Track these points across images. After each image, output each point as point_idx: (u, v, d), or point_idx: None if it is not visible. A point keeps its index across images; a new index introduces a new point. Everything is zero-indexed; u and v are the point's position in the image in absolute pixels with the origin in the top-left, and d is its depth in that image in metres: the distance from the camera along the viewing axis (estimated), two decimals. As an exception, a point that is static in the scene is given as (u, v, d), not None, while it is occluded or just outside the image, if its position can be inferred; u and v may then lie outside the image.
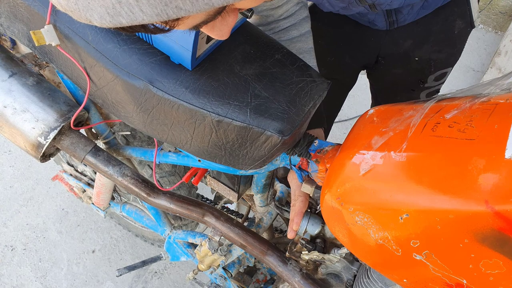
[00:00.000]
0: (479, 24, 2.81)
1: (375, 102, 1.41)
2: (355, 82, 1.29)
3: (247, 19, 0.76)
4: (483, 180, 0.46)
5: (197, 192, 1.55)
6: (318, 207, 0.87)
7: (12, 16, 0.80)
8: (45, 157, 0.91)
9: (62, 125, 0.86)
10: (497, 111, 0.51)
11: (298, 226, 0.82)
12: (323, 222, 0.83)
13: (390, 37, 1.09)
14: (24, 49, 1.08)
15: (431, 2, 1.00)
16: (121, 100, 0.74)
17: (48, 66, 0.97)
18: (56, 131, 0.85)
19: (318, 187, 0.76)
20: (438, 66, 1.16)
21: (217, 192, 1.05)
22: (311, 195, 0.80)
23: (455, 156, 0.50)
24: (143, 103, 0.70)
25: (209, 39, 0.67)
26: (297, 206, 0.83)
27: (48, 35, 0.71)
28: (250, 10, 0.72)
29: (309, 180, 0.77)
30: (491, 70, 2.43)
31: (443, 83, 1.23)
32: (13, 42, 1.06)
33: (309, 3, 1.03)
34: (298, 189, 0.83)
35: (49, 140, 0.85)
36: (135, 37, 0.70)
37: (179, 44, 0.64)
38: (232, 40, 0.74)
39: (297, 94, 0.69)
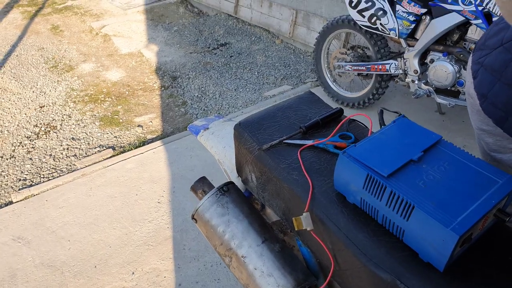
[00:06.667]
0: None
1: None
2: None
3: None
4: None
5: None
6: None
7: (275, 194, 0.99)
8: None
9: (298, 293, 0.93)
10: None
11: None
12: None
13: None
14: (269, 212, 1.28)
15: None
16: (363, 286, 0.77)
17: (291, 233, 1.11)
18: (292, 299, 0.93)
19: None
20: None
21: None
22: None
23: None
24: (388, 296, 0.71)
25: (463, 242, 0.66)
26: None
27: (305, 221, 0.84)
28: (507, 214, 0.69)
29: None
30: None
31: None
32: (263, 207, 1.28)
33: None
34: None
35: (286, 306, 0.93)
36: (384, 229, 0.75)
37: (433, 246, 0.65)
38: (485, 243, 0.70)
39: None
